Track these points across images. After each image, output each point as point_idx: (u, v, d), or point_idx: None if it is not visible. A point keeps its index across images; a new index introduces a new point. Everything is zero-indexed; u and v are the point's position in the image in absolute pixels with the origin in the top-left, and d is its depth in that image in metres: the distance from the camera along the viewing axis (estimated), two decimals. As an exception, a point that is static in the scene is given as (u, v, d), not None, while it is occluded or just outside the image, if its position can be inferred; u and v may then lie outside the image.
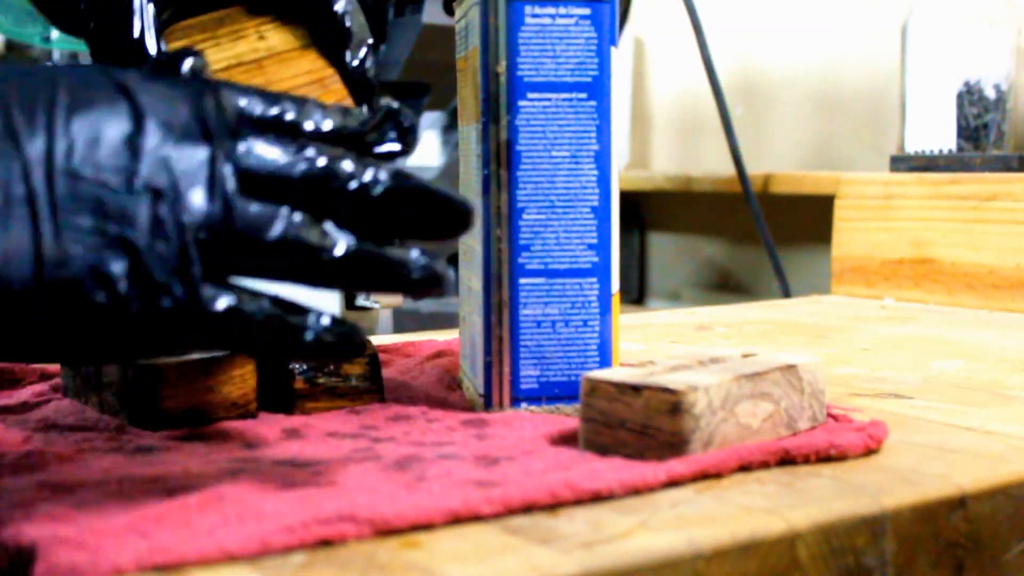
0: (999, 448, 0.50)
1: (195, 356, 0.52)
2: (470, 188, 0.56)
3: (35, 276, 0.36)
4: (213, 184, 0.38)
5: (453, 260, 1.30)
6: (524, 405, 0.54)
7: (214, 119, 0.39)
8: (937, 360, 0.73)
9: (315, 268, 0.38)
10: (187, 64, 0.42)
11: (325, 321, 0.39)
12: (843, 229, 1.14)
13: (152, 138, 0.38)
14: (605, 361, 0.54)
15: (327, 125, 0.41)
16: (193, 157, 0.38)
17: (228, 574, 0.35)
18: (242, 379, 0.53)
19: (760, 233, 1.30)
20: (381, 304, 0.97)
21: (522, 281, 0.53)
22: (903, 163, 1.12)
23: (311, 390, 0.54)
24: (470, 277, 0.57)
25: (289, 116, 0.41)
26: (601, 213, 0.54)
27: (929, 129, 1.12)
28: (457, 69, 0.60)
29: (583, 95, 0.53)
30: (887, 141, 1.31)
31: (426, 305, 1.26)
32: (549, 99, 0.53)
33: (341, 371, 0.55)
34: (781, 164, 1.56)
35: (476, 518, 0.39)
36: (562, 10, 0.53)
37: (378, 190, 0.39)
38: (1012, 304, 0.99)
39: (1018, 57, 1.10)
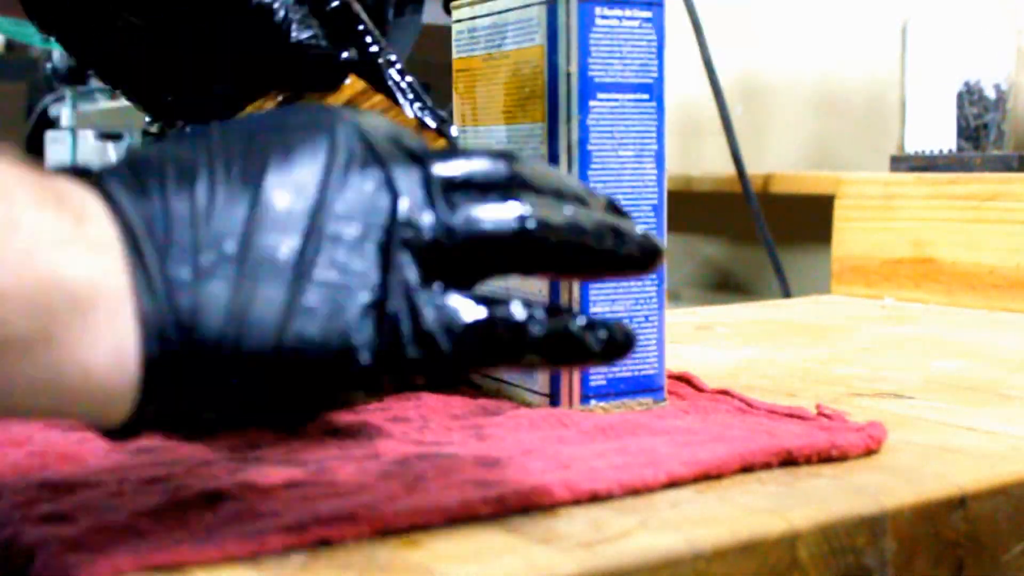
0: (999, 448, 0.50)
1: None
2: None
3: (277, 338, 0.33)
4: (426, 198, 0.36)
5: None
6: (594, 402, 0.55)
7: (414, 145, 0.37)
8: (937, 360, 0.73)
9: (542, 251, 0.37)
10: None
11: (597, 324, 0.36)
12: (843, 229, 1.14)
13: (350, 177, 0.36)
14: (662, 355, 0.56)
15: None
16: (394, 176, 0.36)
17: (228, 574, 0.35)
18: (242, 379, 0.53)
19: (760, 233, 1.30)
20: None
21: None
22: (903, 163, 1.12)
23: (311, 390, 0.54)
24: (506, 278, 0.57)
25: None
26: (659, 211, 0.56)
27: (929, 129, 1.12)
28: (463, 68, 0.60)
29: (645, 96, 0.55)
30: (887, 141, 1.31)
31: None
32: (616, 100, 0.54)
33: (341, 371, 0.55)
34: (781, 164, 1.56)
35: (474, 518, 0.39)
36: (627, 12, 0.54)
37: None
38: (1012, 304, 0.99)
39: (1018, 57, 1.10)
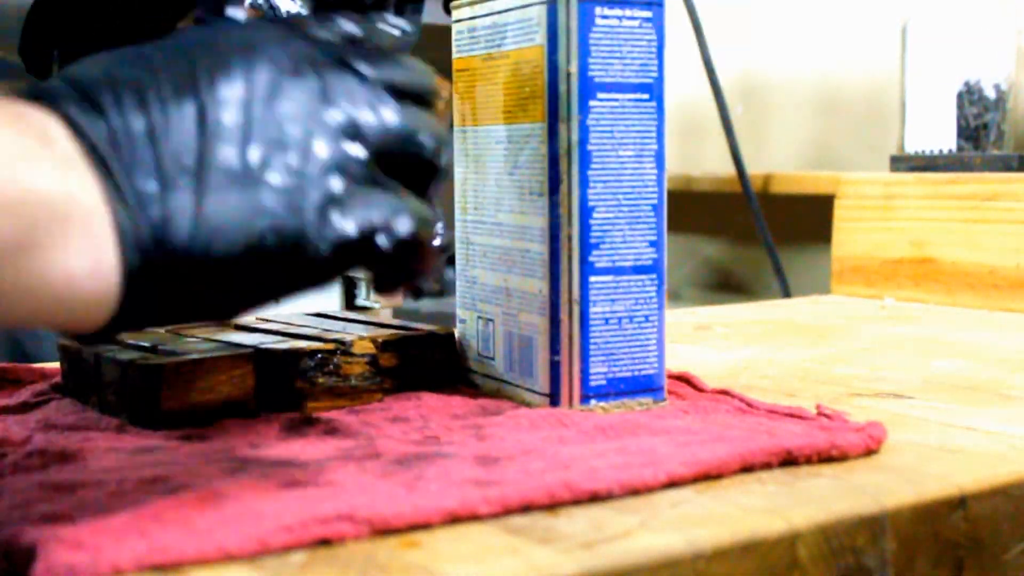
0: (999, 448, 0.50)
1: (195, 356, 0.52)
2: (503, 187, 0.57)
3: (244, 241, 0.37)
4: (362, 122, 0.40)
5: (452, 261, 1.30)
6: (594, 402, 0.55)
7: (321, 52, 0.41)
8: (937, 360, 0.73)
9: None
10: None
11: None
12: (843, 229, 1.14)
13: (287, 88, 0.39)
14: (662, 355, 0.56)
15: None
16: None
17: (227, 574, 0.35)
18: (242, 379, 0.53)
19: (760, 233, 1.30)
20: (381, 304, 0.97)
21: (592, 279, 0.54)
22: (903, 163, 1.12)
23: (311, 390, 0.54)
24: (506, 278, 0.57)
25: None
26: (659, 211, 0.56)
27: (929, 129, 1.12)
28: (463, 68, 0.60)
29: (645, 96, 0.55)
30: (887, 141, 1.31)
31: (426, 305, 1.26)
32: (616, 99, 0.54)
33: (341, 371, 0.55)
34: (781, 164, 1.56)
35: (474, 518, 0.39)
36: (627, 12, 0.54)
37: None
38: (1012, 304, 0.99)
39: (1018, 57, 1.10)
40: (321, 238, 0.37)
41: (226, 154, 0.37)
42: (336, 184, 0.38)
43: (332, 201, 0.38)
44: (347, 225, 0.38)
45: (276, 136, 0.38)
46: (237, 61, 0.38)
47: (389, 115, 0.40)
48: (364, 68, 0.40)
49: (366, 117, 0.39)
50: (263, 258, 0.37)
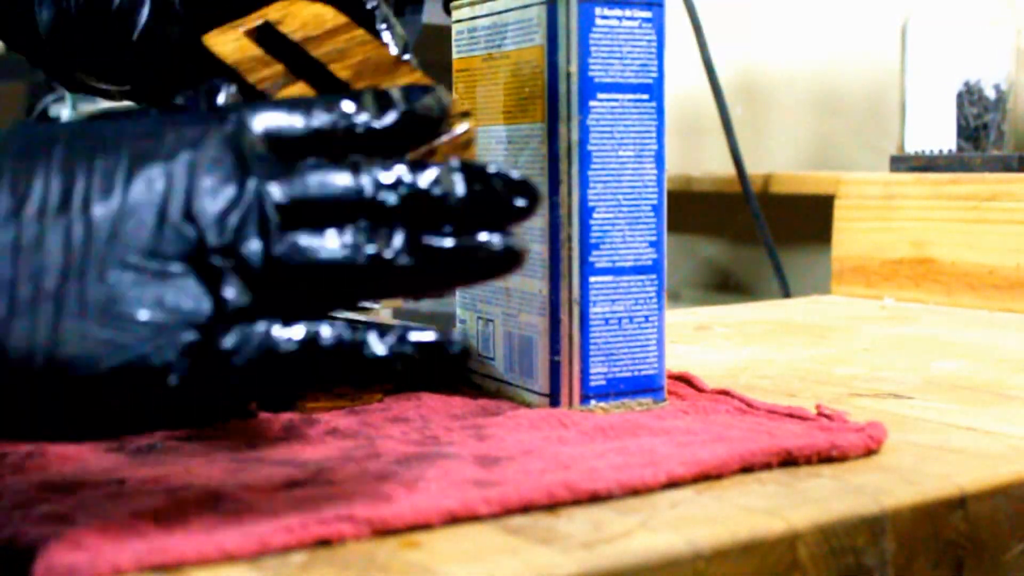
0: (999, 448, 0.50)
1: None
2: None
3: (96, 364, 0.34)
4: (256, 222, 0.35)
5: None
6: (594, 402, 0.55)
7: (245, 152, 0.36)
8: (937, 360, 0.73)
9: (380, 281, 0.36)
10: (220, 97, 0.41)
11: (409, 337, 0.36)
12: (843, 229, 1.14)
13: (179, 193, 0.35)
14: (662, 355, 0.56)
15: (362, 123, 0.38)
16: (226, 197, 0.35)
17: (227, 574, 0.35)
18: (242, 379, 0.53)
19: (760, 233, 1.30)
20: (381, 304, 0.97)
21: (592, 280, 0.54)
22: (903, 163, 1.12)
23: (311, 390, 0.54)
24: (506, 278, 0.57)
25: (322, 124, 0.38)
26: (659, 211, 0.56)
27: (929, 129, 1.12)
28: (463, 69, 0.60)
29: (645, 96, 0.55)
30: (887, 141, 1.31)
31: (426, 305, 1.26)
32: (616, 100, 0.54)
33: (341, 371, 0.55)
34: (781, 164, 1.56)
35: (474, 518, 0.39)
36: (627, 12, 0.54)
37: (438, 191, 0.37)
38: (1012, 304, 0.99)
39: (1018, 57, 1.10)
40: (179, 382, 0.34)
41: (92, 279, 0.34)
42: (205, 324, 0.34)
43: (200, 343, 0.34)
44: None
45: (154, 267, 0.35)
46: (134, 177, 0.35)
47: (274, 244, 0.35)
48: (266, 179, 0.36)
49: (249, 245, 0.35)
50: (114, 390, 0.34)
